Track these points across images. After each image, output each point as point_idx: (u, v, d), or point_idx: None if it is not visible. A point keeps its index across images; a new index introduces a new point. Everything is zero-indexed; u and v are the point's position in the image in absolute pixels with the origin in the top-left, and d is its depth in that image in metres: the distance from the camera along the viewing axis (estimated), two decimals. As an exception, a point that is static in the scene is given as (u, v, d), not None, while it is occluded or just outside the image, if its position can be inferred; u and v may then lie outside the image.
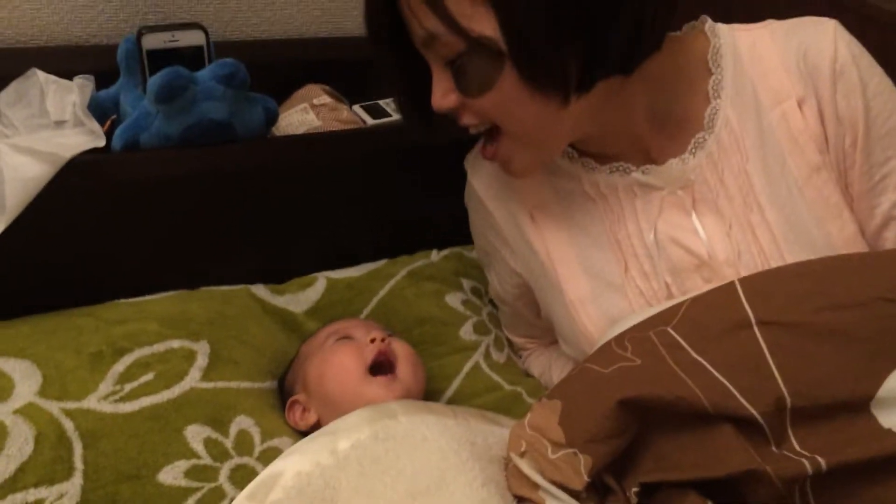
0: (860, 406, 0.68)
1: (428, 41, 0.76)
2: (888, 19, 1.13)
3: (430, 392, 1.00)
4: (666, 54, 0.80)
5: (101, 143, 0.93)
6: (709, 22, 0.87)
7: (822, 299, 0.72)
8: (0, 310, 0.94)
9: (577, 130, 0.83)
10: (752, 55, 0.84)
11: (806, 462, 0.66)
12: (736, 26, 0.87)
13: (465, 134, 0.94)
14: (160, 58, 0.97)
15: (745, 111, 0.84)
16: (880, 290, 0.71)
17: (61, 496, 0.76)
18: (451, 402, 1.00)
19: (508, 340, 1.13)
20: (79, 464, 0.79)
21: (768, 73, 0.83)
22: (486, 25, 0.72)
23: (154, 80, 0.93)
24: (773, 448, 0.68)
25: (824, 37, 0.81)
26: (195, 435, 0.85)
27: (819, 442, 0.67)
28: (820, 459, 0.66)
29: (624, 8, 0.72)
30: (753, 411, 0.68)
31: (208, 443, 0.85)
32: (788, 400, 0.68)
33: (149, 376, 0.88)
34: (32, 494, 0.75)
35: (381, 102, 1.26)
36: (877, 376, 0.68)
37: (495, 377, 1.04)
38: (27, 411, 0.80)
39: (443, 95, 0.79)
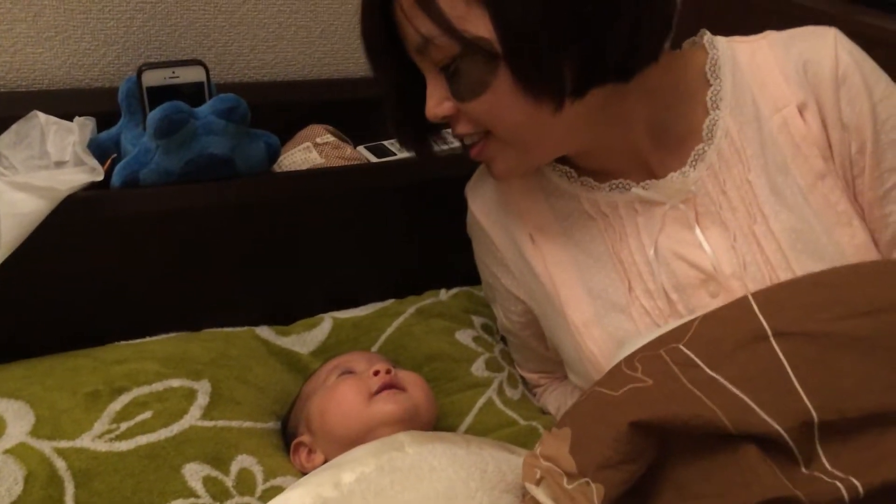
0: (892, 419, 0.63)
1: (422, 46, 0.75)
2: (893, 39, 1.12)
3: (442, 428, 0.95)
4: (664, 67, 0.79)
5: (99, 177, 0.92)
6: (707, 35, 0.87)
7: (840, 308, 0.69)
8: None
9: (572, 140, 0.82)
10: (751, 65, 0.83)
11: (840, 485, 0.61)
12: (735, 38, 0.86)
13: (471, 168, 0.93)
14: (160, 94, 0.97)
15: (745, 121, 0.82)
16: None
17: (50, 537, 0.73)
18: (463, 437, 0.96)
19: (522, 378, 1.09)
20: (70, 504, 0.75)
21: (767, 82, 0.82)
22: (480, 26, 0.71)
23: (153, 114, 0.92)
24: (803, 468, 0.63)
25: (824, 44, 0.80)
26: (194, 473, 0.81)
27: (851, 460, 0.62)
28: (855, 482, 0.61)
29: (619, 11, 0.71)
30: (778, 427, 0.63)
31: (208, 481, 0.81)
32: (815, 414, 0.63)
33: (146, 415, 0.85)
34: (20, 536, 0.72)
35: (385, 143, 1.25)
36: None
37: (510, 413, 1.00)
38: (18, 451, 0.77)
39: (437, 103, 0.79)
